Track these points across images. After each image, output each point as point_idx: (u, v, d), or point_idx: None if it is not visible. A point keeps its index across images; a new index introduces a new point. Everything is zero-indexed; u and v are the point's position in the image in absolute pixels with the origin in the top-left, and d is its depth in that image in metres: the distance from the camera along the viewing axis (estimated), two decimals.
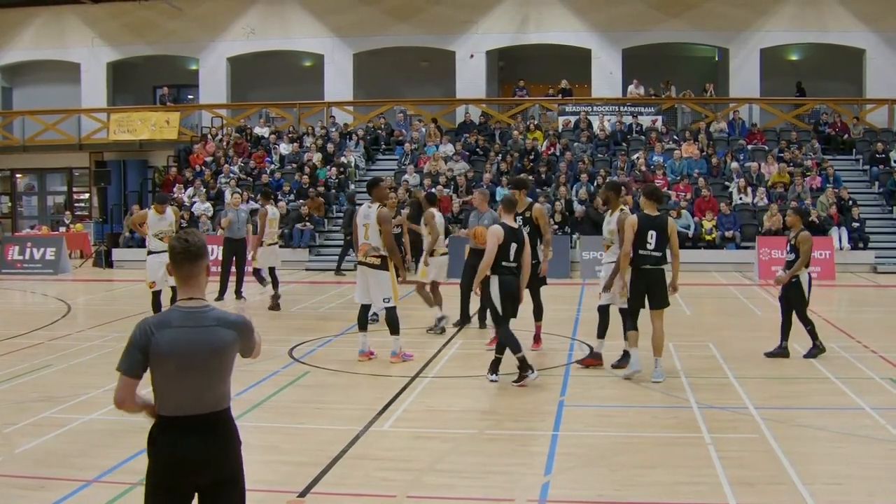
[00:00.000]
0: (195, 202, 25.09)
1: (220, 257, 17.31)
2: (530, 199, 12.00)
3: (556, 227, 22.26)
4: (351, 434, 7.89)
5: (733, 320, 14.71)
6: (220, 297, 16.84)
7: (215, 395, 4.14)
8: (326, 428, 8.25)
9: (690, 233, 22.32)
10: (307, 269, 23.00)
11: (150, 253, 13.60)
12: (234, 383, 10.20)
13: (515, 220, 10.35)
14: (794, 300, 11.22)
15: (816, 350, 11.20)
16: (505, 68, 33.55)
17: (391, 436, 7.97)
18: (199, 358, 4.05)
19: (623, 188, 11.17)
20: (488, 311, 10.39)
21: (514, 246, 9.73)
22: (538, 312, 11.73)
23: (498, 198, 23.67)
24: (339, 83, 31.38)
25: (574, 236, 22.45)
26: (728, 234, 22.37)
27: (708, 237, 22.45)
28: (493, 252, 9.65)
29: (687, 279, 19.25)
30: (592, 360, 10.73)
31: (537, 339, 11.80)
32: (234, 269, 17.04)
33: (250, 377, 10.14)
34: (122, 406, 4.14)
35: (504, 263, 9.70)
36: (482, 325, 13.24)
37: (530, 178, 24.73)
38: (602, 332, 10.67)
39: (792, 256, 11.26)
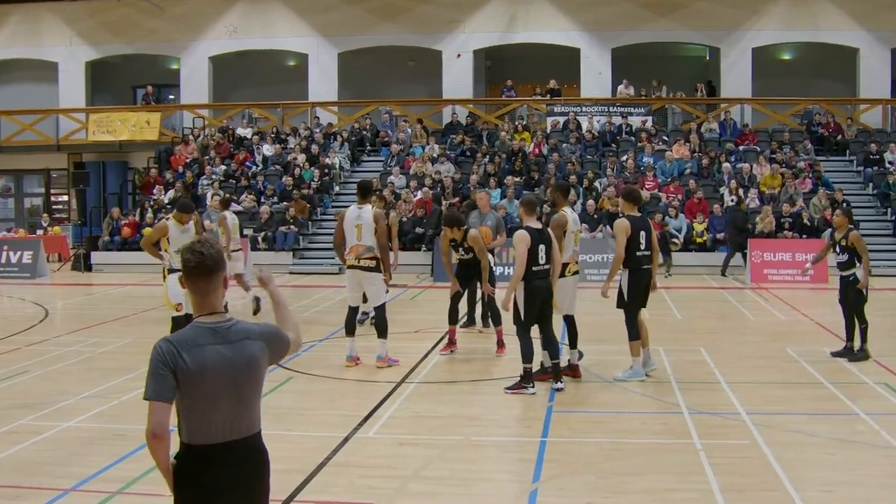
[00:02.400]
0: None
1: None
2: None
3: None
4: (335, 441, 7.88)
5: (725, 324, 14.75)
6: None
7: (249, 419, 3.88)
8: (310, 435, 8.23)
9: (682, 236, 22.36)
10: (291, 273, 22.96)
11: (171, 271, 11.41)
12: None
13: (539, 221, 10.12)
14: (853, 298, 11.30)
15: (862, 354, 11.24)
16: (492, 68, 33.58)
17: (376, 442, 7.96)
18: (231, 378, 3.77)
19: (571, 190, 11.24)
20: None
21: (542, 248, 9.66)
22: (496, 318, 11.84)
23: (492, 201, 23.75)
24: (323, 83, 31.36)
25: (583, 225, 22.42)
26: (719, 236, 22.43)
27: (699, 240, 22.51)
28: (524, 259, 9.50)
29: (678, 282, 19.37)
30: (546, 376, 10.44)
31: (500, 343, 11.86)
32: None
33: None
34: (161, 439, 3.68)
35: (534, 268, 9.56)
36: (485, 324, 13.39)
37: (517, 179, 24.79)
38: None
39: (845, 258, 11.37)
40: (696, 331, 13.94)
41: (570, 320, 10.58)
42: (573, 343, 10.60)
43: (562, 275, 10.15)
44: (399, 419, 8.72)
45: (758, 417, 8.56)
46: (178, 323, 10.87)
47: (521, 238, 9.58)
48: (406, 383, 10.23)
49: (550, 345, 9.86)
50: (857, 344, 11.35)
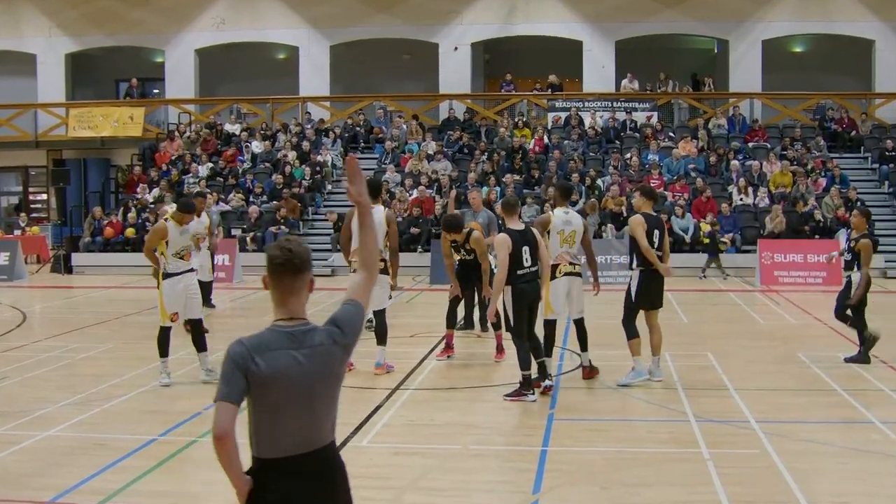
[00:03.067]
0: (166, 205, 24.97)
1: None
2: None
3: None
4: None
5: (733, 328, 14.76)
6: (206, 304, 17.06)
7: (324, 429, 3.77)
8: None
9: (689, 236, 22.38)
10: None
11: (167, 276, 10.66)
12: (202, 396, 10.18)
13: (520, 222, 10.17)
14: (845, 299, 11.45)
15: (860, 356, 11.33)
16: (491, 62, 33.59)
17: (370, 452, 7.95)
18: (304, 387, 3.67)
19: (572, 192, 11.32)
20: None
21: (525, 249, 9.67)
22: (496, 322, 11.82)
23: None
24: (314, 77, 31.35)
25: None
26: (728, 237, 22.45)
27: (706, 240, 22.51)
28: (507, 263, 9.54)
29: (684, 285, 19.39)
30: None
31: (500, 349, 11.89)
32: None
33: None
34: (227, 438, 3.59)
35: (519, 272, 9.58)
36: (483, 328, 13.42)
37: (517, 178, 24.79)
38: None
39: (850, 257, 11.51)
40: (703, 335, 13.95)
41: (578, 324, 10.61)
42: (584, 346, 10.66)
43: (553, 276, 10.20)
44: (394, 427, 8.72)
45: (768, 426, 8.56)
46: (167, 335, 10.61)
47: (502, 242, 9.60)
48: (401, 390, 10.23)
49: (534, 349, 9.84)
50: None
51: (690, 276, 21.16)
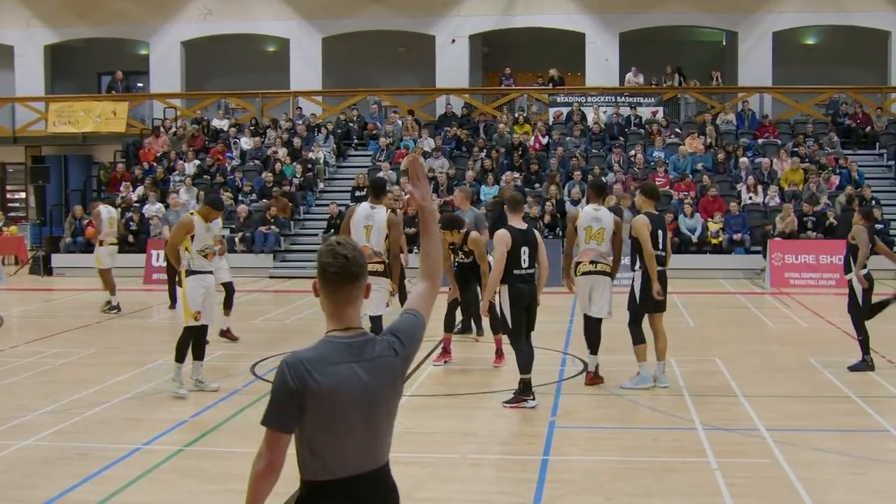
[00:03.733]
0: (149, 204, 24.96)
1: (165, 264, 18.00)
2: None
3: (546, 230, 22.29)
4: None
5: (742, 332, 14.77)
6: (173, 306, 17.27)
7: (382, 447, 3.68)
8: (292, 452, 8.22)
9: (696, 236, 22.39)
10: (271, 277, 22.94)
11: (190, 273, 10.54)
12: (188, 403, 10.17)
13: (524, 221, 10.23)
14: (851, 304, 11.44)
15: (864, 364, 11.30)
16: (490, 55, 33.60)
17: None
18: (364, 402, 3.55)
19: (605, 189, 11.53)
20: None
21: (525, 250, 9.70)
22: (496, 325, 11.86)
23: (483, 197, 23.76)
24: (306, 71, 31.35)
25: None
26: (736, 237, 22.47)
27: (714, 240, 22.54)
28: (503, 260, 9.62)
29: (691, 287, 19.39)
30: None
31: (499, 353, 11.91)
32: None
33: (206, 397, 10.11)
34: (273, 474, 3.52)
35: (516, 271, 9.65)
36: (479, 331, 13.45)
37: (517, 175, 24.79)
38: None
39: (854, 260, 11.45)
40: (710, 340, 13.97)
41: (595, 324, 10.68)
42: (593, 349, 10.69)
43: (576, 273, 10.52)
44: None
45: (778, 434, 8.57)
46: (190, 334, 10.41)
47: (501, 238, 9.67)
48: None
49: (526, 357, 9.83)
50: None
51: (697, 279, 21.16)
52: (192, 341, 10.47)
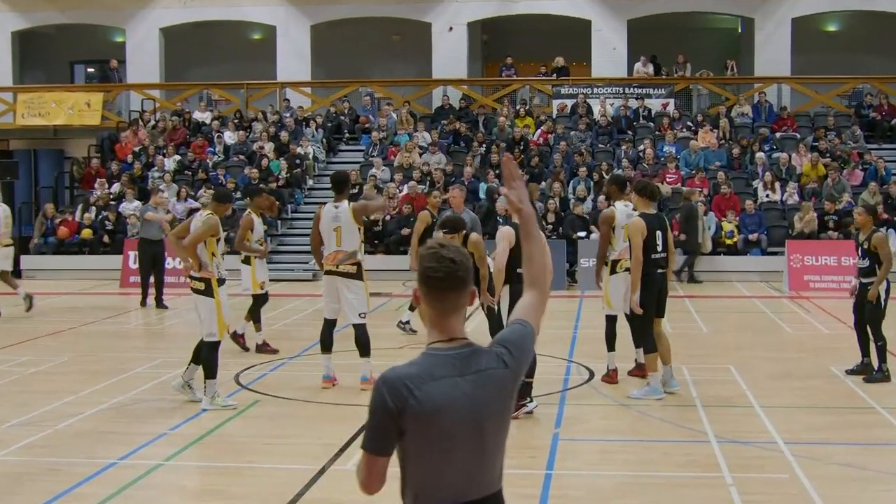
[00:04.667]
0: (126, 202, 24.93)
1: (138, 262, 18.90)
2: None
3: (550, 228, 22.29)
4: (308, 474, 7.88)
5: (758, 339, 14.76)
6: (144, 304, 18.42)
7: (492, 472, 3.53)
8: (279, 467, 8.23)
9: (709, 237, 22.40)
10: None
11: (223, 282, 10.62)
12: (168, 415, 10.16)
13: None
14: (869, 311, 11.38)
15: (881, 374, 11.29)
16: (490, 43, 33.59)
17: (355, 477, 7.94)
18: (472, 420, 3.43)
19: (628, 184, 11.71)
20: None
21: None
22: (496, 331, 11.98)
23: (481, 194, 23.75)
24: (293, 60, 31.31)
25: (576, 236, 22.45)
26: (752, 237, 22.48)
27: (728, 241, 22.55)
28: (505, 257, 9.75)
29: (704, 291, 19.41)
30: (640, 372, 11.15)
31: None
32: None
33: (187, 408, 10.10)
34: (369, 495, 3.61)
35: (519, 270, 9.66)
36: None
37: (523, 173, 24.77)
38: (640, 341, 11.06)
39: (867, 263, 11.43)
40: (724, 346, 13.97)
41: (613, 321, 11.04)
42: (611, 345, 11.05)
43: (613, 271, 10.88)
44: None
45: (798, 447, 8.57)
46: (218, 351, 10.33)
47: (505, 235, 9.81)
48: None
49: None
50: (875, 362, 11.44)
51: (710, 282, 21.18)
52: (197, 347, 10.42)
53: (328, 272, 10.99)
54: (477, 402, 3.43)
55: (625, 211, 10.95)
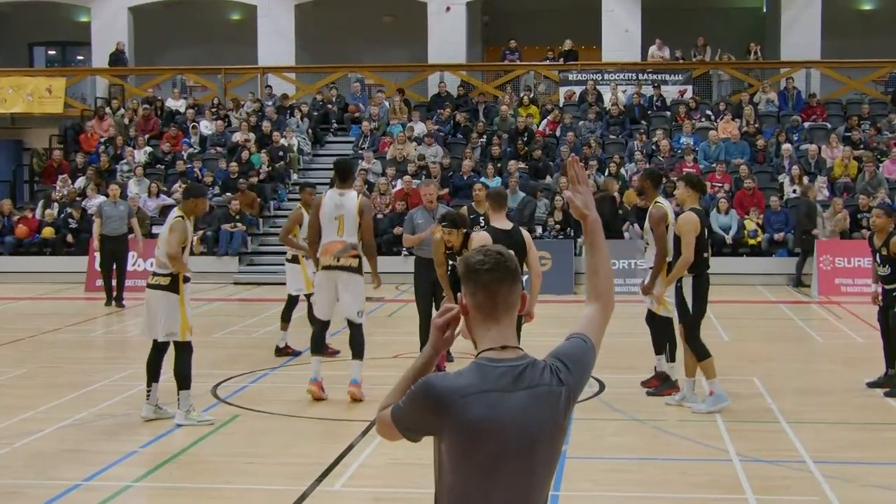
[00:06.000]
0: (89, 198, 24.91)
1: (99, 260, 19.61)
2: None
3: (557, 228, 22.31)
4: (292, 496, 7.85)
5: (784, 348, 14.78)
6: (109, 302, 19.09)
7: (539, 499, 3.48)
8: (260, 488, 8.22)
9: (730, 236, 22.37)
10: (236, 283, 22.90)
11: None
12: (137, 431, 10.11)
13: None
14: (893, 320, 11.38)
15: None
16: (491, 25, 33.61)
17: (345, 497, 7.96)
18: (526, 440, 3.38)
19: (664, 178, 11.78)
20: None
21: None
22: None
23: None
24: (276, 43, 31.29)
25: (580, 240, 22.49)
26: (778, 237, 22.47)
27: (752, 241, 22.55)
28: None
29: (725, 295, 19.35)
30: (658, 382, 11.28)
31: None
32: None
33: (159, 424, 10.07)
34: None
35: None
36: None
37: (522, 166, 24.79)
38: (662, 347, 11.21)
39: (888, 270, 11.40)
40: (748, 356, 13.96)
41: (669, 323, 11.12)
42: (660, 349, 11.23)
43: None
44: (373, 468, 8.72)
45: (828, 467, 8.56)
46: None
47: (481, 240, 9.62)
48: None
49: None
50: None
51: (732, 285, 21.15)
52: (151, 359, 10.30)
53: (326, 267, 10.97)
54: (526, 422, 3.38)
55: (671, 207, 11.05)
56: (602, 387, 11.53)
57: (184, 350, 10.15)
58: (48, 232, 24.13)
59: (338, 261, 10.90)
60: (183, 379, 10.08)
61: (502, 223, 9.95)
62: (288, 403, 11.06)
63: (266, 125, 27.45)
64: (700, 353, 10.47)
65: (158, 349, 10.26)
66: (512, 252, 3.56)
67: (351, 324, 11.01)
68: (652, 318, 11.23)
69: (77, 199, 24.92)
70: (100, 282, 20.14)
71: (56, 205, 24.91)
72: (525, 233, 10.10)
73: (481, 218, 12.81)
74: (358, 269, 10.96)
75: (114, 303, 19.03)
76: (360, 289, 11.00)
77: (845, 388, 11.77)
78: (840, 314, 18.04)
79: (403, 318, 17.72)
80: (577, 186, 3.75)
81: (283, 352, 13.82)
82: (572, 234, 22.60)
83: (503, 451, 3.35)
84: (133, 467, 8.79)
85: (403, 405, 3.44)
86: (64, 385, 11.97)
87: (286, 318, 13.92)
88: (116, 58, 31.14)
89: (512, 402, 3.36)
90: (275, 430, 10.11)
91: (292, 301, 13.90)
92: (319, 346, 11.24)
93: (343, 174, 11.20)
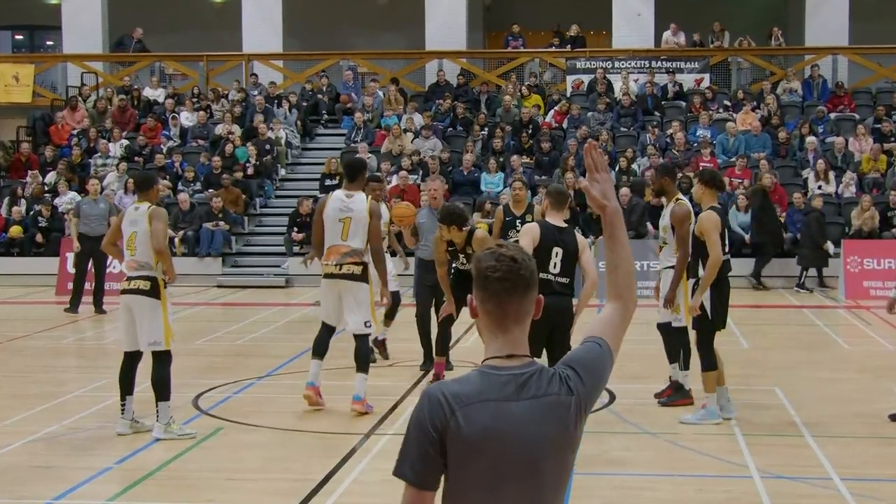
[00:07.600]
0: (60, 194, 24.91)
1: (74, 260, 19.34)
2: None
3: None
4: None
5: (809, 356, 14.78)
6: (73, 308, 18.62)
7: None
8: None
9: (749, 236, 22.34)
10: (220, 286, 22.89)
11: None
12: (113, 445, 10.12)
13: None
14: None
15: None
16: (493, 9, 33.64)
17: None
18: (532, 453, 3.39)
19: (678, 171, 11.71)
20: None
21: (557, 252, 9.54)
22: (442, 344, 12.15)
23: (483, 187, 23.78)
24: (262, 28, 31.27)
25: (588, 239, 22.48)
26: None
27: None
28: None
29: (744, 299, 19.37)
30: (672, 391, 11.29)
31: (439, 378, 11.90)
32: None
33: (136, 438, 10.07)
34: None
35: (542, 275, 9.43)
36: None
37: (527, 160, 24.78)
38: (676, 356, 11.21)
39: None
40: (769, 364, 13.96)
41: (685, 332, 11.11)
42: (674, 357, 11.27)
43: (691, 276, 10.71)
44: (367, 484, 8.73)
45: (856, 485, 8.57)
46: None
47: (528, 230, 9.66)
48: (377, 435, 10.21)
49: None
50: None
51: (752, 289, 21.17)
52: (124, 370, 10.27)
53: (328, 275, 10.91)
54: (536, 434, 3.38)
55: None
56: (612, 397, 11.52)
57: (163, 358, 10.10)
58: (16, 231, 24.06)
59: (339, 268, 10.84)
60: (162, 389, 10.03)
61: (557, 220, 9.75)
62: (275, 415, 11.06)
63: (257, 118, 27.38)
64: (708, 362, 10.43)
65: (132, 358, 10.22)
66: (529, 255, 3.53)
67: (357, 336, 10.97)
68: (666, 324, 11.24)
69: (46, 195, 24.89)
70: (70, 284, 20.16)
71: (24, 202, 24.87)
72: (579, 235, 10.04)
73: (518, 221, 12.64)
74: (362, 277, 10.87)
75: (94, 307, 18.65)
76: (364, 297, 10.90)
77: (874, 399, 11.74)
78: (869, 319, 18.02)
79: (401, 324, 17.71)
80: (594, 175, 3.70)
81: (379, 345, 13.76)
82: (581, 233, 22.56)
83: (504, 466, 3.36)
84: (108, 484, 8.79)
85: (405, 450, 3.41)
86: (33, 396, 11.96)
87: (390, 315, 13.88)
88: (124, 43, 31.11)
89: (515, 412, 3.36)
90: (261, 444, 10.10)
91: (395, 299, 13.72)
92: (320, 350, 11.14)
93: (352, 174, 11.16)
